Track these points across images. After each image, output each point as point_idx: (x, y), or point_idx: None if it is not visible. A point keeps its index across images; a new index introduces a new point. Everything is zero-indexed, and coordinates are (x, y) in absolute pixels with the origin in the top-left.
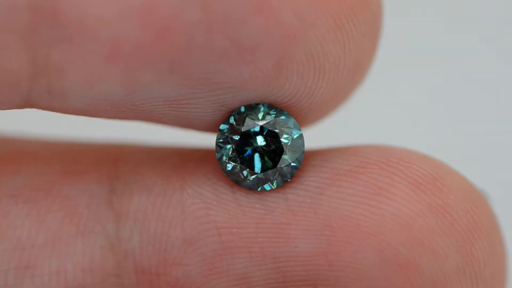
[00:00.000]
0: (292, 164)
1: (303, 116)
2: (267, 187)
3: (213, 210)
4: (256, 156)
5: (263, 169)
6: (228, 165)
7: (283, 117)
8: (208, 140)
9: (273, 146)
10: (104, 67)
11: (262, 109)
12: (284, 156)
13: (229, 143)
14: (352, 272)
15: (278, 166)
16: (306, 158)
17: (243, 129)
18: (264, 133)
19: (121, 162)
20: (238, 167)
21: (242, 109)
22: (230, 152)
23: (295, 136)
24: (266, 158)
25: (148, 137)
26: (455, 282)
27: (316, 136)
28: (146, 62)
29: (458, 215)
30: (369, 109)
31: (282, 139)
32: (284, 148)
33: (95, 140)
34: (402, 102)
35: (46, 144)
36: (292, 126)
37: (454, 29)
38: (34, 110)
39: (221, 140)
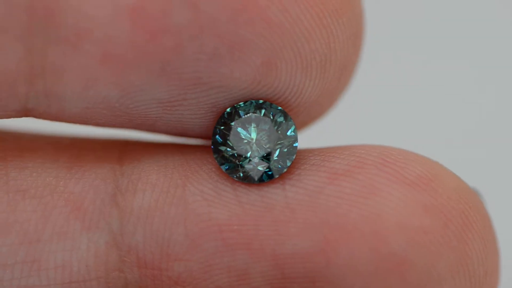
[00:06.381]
0: (287, 154)
1: (292, 117)
2: (265, 178)
3: (215, 207)
4: (252, 150)
5: (260, 162)
6: (225, 162)
7: (273, 109)
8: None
9: (267, 138)
10: (99, 68)
11: (252, 104)
12: (278, 146)
13: (224, 141)
14: (348, 269)
15: (274, 157)
16: (305, 157)
17: (236, 125)
18: (257, 126)
19: (126, 158)
20: (235, 163)
21: (233, 106)
22: (226, 150)
23: (286, 127)
24: (261, 150)
25: (151, 134)
26: (449, 281)
27: (314, 136)
28: (139, 63)
29: (452, 215)
30: (365, 110)
31: (274, 130)
32: (278, 138)
33: (100, 136)
34: (397, 102)
35: (51, 139)
36: (282, 117)
37: (447, 27)
38: None
39: (216, 139)
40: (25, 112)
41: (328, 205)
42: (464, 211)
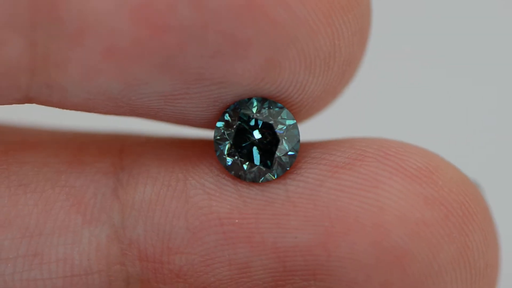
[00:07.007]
0: (289, 153)
1: (294, 112)
2: (268, 177)
3: (216, 201)
4: (254, 149)
5: (262, 161)
6: (227, 160)
7: (276, 109)
8: (211, 131)
9: (269, 137)
10: (101, 62)
11: (255, 102)
12: (281, 146)
13: (226, 139)
14: (349, 262)
15: (276, 156)
16: (306, 151)
17: (239, 123)
18: (259, 126)
19: (127, 152)
20: (238, 161)
21: (236, 104)
22: (228, 148)
23: (289, 126)
24: (263, 149)
25: (152, 128)
26: (449, 272)
27: (315, 129)
28: (142, 58)
29: (453, 207)
30: (366, 103)
31: (277, 130)
32: (280, 138)
33: (101, 130)
34: (398, 95)
35: (52, 134)
36: (285, 117)
37: (450, 22)
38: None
39: (218, 137)
40: (27, 100)
41: (329, 198)
42: (465, 203)
